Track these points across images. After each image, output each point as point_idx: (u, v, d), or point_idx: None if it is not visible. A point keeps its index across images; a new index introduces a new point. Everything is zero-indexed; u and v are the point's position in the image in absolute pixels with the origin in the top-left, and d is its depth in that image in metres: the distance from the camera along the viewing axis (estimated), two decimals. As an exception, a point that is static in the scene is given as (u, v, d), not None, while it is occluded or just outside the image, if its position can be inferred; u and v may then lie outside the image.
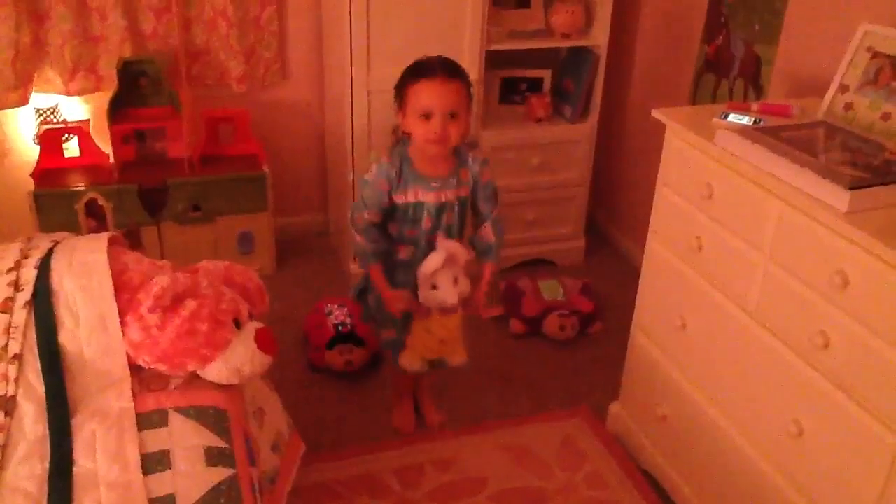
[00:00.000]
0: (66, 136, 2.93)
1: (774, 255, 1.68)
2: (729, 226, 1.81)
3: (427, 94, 1.92)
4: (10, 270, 1.63)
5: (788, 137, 1.72)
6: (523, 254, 3.27)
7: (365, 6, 2.64)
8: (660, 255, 2.09)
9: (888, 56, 1.81)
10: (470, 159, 2.06)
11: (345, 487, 2.18)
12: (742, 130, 1.77)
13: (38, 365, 1.54)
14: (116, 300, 1.59)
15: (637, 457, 2.31)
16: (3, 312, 1.57)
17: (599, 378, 2.65)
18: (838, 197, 1.49)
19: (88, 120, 2.98)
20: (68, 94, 2.89)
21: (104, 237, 1.72)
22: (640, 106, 3.23)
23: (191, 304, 1.59)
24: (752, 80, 2.53)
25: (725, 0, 2.63)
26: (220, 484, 1.52)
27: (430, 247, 2.04)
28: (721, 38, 2.67)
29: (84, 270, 1.62)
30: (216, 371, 1.62)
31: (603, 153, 3.35)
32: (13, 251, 1.68)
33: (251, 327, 1.68)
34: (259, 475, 1.71)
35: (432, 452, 2.32)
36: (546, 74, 3.13)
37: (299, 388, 2.54)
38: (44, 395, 1.51)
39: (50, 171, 2.87)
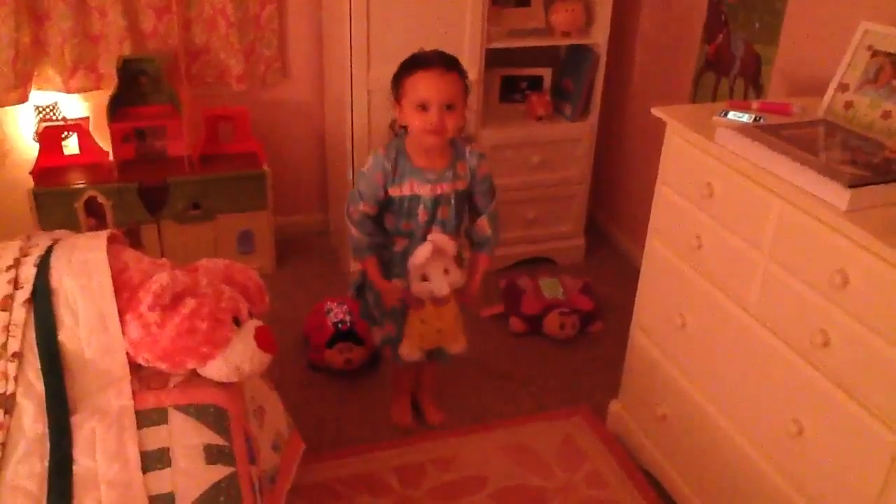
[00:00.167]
0: (66, 133, 2.93)
1: (774, 253, 1.67)
2: (729, 224, 1.80)
3: (424, 85, 1.92)
4: (9, 268, 1.63)
5: (788, 136, 1.72)
6: (523, 252, 3.28)
7: (365, 6, 2.64)
8: (660, 253, 2.09)
9: (888, 55, 1.81)
10: (467, 153, 2.06)
11: (345, 486, 2.18)
12: (742, 128, 1.77)
13: (38, 363, 1.54)
14: (116, 298, 1.59)
15: (637, 456, 2.31)
16: (2, 310, 1.57)
17: (599, 377, 2.65)
18: (838, 195, 1.49)
19: (88, 117, 2.98)
20: (68, 91, 2.89)
21: (104, 235, 1.72)
22: (640, 104, 3.22)
23: (191, 303, 1.59)
24: (753, 80, 2.53)
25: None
26: (219, 482, 1.52)
27: (426, 240, 2.04)
28: (721, 37, 2.67)
29: (84, 269, 1.62)
30: (216, 369, 1.62)
31: (603, 152, 3.36)
32: (12, 249, 1.68)
33: (251, 325, 1.68)
34: (259, 474, 1.71)
35: (432, 451, 2.32)
36: (546, 73, 3.13)
37: (299, 388, 2.54)
38: (43, 393, 1.51)
39: (49, 169, 2.86)
